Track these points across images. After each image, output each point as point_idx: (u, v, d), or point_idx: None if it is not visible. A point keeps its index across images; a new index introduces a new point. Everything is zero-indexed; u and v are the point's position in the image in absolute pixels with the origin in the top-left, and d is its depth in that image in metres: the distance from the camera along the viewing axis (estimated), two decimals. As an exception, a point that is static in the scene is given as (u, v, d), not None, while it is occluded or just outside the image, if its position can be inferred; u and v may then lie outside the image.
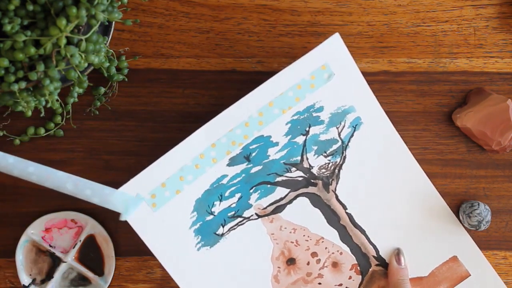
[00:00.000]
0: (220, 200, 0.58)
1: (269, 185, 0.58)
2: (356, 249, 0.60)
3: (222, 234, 0.58)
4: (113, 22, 0.55)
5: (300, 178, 0.59)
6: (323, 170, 0.59)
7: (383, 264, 0.59)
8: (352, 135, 0.59)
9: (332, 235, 0.59)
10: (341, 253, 0.59)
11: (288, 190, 0.59)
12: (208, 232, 0.57)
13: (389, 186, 0.59)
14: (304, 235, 0.59)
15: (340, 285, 0.59)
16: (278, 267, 0.59)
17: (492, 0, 0.60)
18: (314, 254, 0.59)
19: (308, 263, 0.59)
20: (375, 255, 0.59)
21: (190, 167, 0.56)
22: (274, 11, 0.60)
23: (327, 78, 0.57)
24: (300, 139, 0.58)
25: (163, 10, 0.59)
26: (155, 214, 0.56)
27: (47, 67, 0.48)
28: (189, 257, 0.57)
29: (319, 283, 0.59)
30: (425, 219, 0.60)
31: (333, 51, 0.57)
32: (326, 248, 0.59)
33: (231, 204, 0.58)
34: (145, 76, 0.59)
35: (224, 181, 0.57)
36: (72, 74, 0.49)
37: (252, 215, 0.58)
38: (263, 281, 0.59)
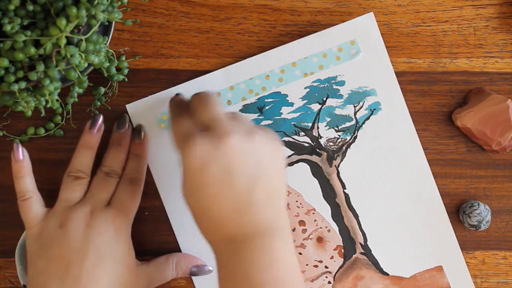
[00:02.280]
0: None
1: None
2: (344, 231, 0.60)
3: None
4: (113, 22, 0.55)
5: (306, 144, 0.59)
6: (331, 144, 0.59)
7: (368, 254, 0.59)
8: (368, 118, 0.59)
9: (324, 210, 0.60)
10: (329, 230, 0.60)
11: (292, 152, 0.59)
12: None
13: (393, 179, 0.60)
14: (297, 201, 0.60)
15: (320, 262, 0.60)
16: None
17: (492, 0, 0.60)
18: (301, 223, 0.60)
19: (293, 230, 0.60)
20: (362, 243, 0.60)
21: None
22: (274, 11, 0.60)
23: (353, 54, 0.59)
24: (315, 107, 0.59)
25: (163, 10, 0.59)
26: (161, 133, 0.58)
27: (47, 67, 0.48)
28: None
29: (300, 253, 0.60)
30: (421, 222, 0.60)
31: (364, 30, 0.59)
32: (315, 220, 0.60)
33: None
34: (145, 76, 0.59)
35: None
36: (72, 74, 0.49)
37: None
38: None
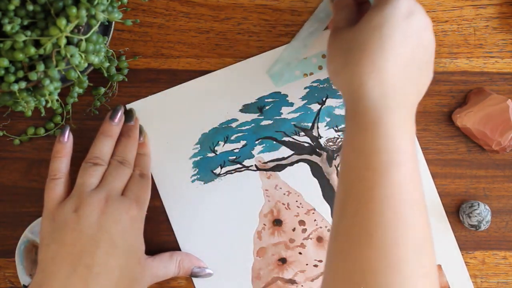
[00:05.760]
0: (225, 142, 0.59)
1: (274, 142, 0.59)
2: None
3: (219, 174, 0.59)
4: (113, 22, 0.55)
5: (306, 144, 0.59)
6: (330, 143, 0.59)
7: None
8: None
9: (324, 209, 0.60)
10: (328, 230, 0.60)
11: (292, 152, 0.59)
12: (206, 168, 0.59)
13: None
14: (297, 201, 0.60)
15: (320, 261, 0.60)
16: (264, 224, 0.60)
17: (492, 0, 0.60)
18: (301, 223, 0.60)
19: (293, 229, 0.60)
20: None
21: None
22: (274, 11, 0.60)
23: None
24: (315, 107, 0.59)
25: (163, 10, 0.59)
26: (161, 134, 0.59)
27: (47, 67, 0.48)
28: (182, 185, 0.59)
29: (300, 253, 0.60)
30: None
31: None
32: (315, 220, 0.60)
33: (234, 149, 0.59)
34: (145, 76, 0.59)
35: (233, 124, 0.59)
36: (72, 74, 0.49)
37: (251, 166, 0.59)
38: (246, 232, 0.60)
